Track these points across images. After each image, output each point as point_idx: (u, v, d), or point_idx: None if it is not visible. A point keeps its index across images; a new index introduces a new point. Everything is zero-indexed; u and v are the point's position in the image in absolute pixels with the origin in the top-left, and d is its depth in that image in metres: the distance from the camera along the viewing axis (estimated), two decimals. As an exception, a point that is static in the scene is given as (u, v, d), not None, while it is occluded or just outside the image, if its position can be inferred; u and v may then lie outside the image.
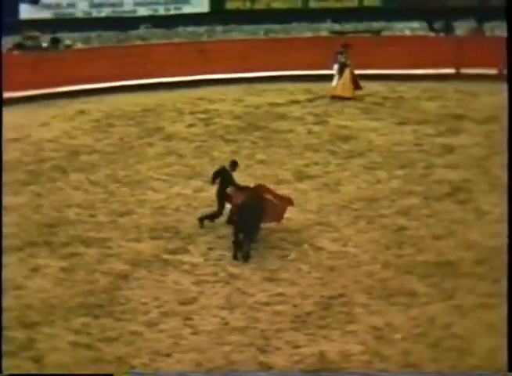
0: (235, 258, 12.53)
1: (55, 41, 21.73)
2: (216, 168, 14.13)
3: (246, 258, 12.47)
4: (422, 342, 10.39)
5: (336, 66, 20.05)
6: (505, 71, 20.68)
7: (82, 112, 19.40)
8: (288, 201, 13.35)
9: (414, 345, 10.35)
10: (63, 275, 12.18)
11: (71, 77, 20.06)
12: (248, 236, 12.61)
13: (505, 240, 12.84)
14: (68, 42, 21.95)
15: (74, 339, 10.55)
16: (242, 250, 12.50)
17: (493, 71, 20.84)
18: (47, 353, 10.21)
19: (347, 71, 19.91)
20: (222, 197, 13.50)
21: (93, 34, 22.88)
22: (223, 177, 13.54)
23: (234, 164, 13.66)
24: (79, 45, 22.33)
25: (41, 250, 12.90)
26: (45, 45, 21.67)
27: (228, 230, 13.34)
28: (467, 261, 12.39)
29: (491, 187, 14.99)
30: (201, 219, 13.62)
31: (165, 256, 12.76)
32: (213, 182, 13.67)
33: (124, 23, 23.01)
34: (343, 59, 19.98)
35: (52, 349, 10.32)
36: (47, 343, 10.43)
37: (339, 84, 19.94)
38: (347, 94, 19.89)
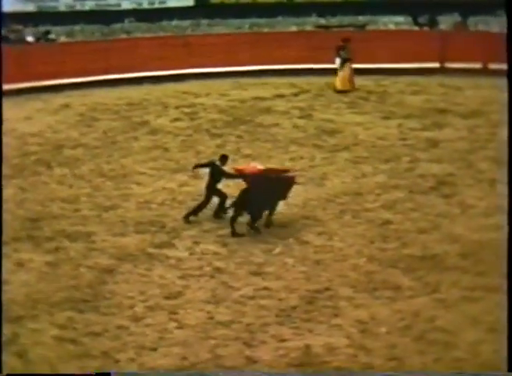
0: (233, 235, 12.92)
1: (46, 33, 21.61)
2: (202, 162, 14.12)
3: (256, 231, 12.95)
4: (406, 336, 10.43)
5: (338, 61, 20.14)
6: (490, 66, 20.84)
7: (66, 106, 19.31)
8: (292, 179, 13.39)
9: (399, 338, 10.39)
10: (48, 269, 12.12)
11: (55, 70, 19.97)
12: (253, 218, 12.96)
13: (490, 234, 12.93)
14: (52, 36, 21.83)
15: (59, 334, 10.51)
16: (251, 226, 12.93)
17: (477, 65, 20.93)
18: (31, 348, 10.16)
19: (347, 65, 20.06)
20: (211, 191, 13.46)
21: (77, 28, 22.78)
22: (213, 171, 13.46)
23: (224, 158, 13.58)
24: (63, 39, 22.22)
25: (25, 244, 12.83)
26: (30, 38, 21.54)
27: (213, 224, 13.33)
28: (452, 254, 12.44)
29: (475, 181, 15.06)
30: (187, 216, 13.58)
31: (150, 250, 12.73)
32: (194, 168, 13.84)
33: (108, 17, 22.93)
34: (344, 54, 20.10)
35: (36, 344, 10.27)
36: (31, 338, 10.38)
37: (339, 77, 20.07)
38: (346, 87, 20.01)
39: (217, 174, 13.43)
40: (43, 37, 21.35)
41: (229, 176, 13.47)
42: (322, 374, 9.75)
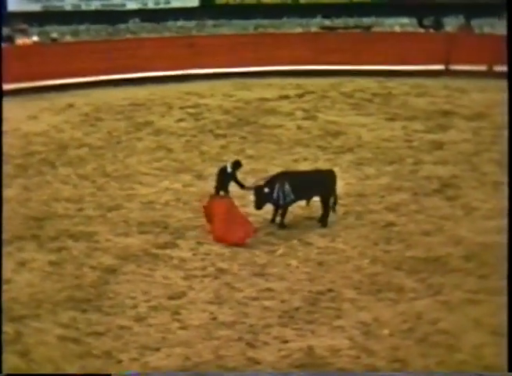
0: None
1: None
2: (206, 163, 14.07)
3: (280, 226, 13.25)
4: (409, 338, 10.41)
5: None
6: (495, 68, 20.80)
7: (71, 106, 19.33)
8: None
9: (402, 340, 10.38)
10: (51, 269, 12.13)
11: (60, 70, 19.99)
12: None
13: (494, 237, 12.90)
14: (54, 35, 21.85)
15: (62, 333, 10.51)
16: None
17: (482, 68, 20.91)
18: (34, 347, 10.17)
19: None
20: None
21: (82, 27, 22.80)
22: (222, 177, 12.97)
23: (237, 165, 13.10)
24: (68, 38, 22.24)
25: (28, 244, 12.84)
26: (35, 38, 21.58)
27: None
28: (455, 257, 12.42)
29: (479, 183, 15.04)
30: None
31: (154, 251, 12.73)
32: (221, 185, 12.95)
33: (113, 17, 22.94)
34: None
35: (39, 343, 10.28)
36: (34, 337, 10.38)
37: None
38: None
39: (226, 180, 12.95)
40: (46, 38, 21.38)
41: (240, 185, 13.08)
42: (324, 375, 9.73)
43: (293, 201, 13.34)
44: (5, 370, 9.70)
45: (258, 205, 13.21)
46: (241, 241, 12.73)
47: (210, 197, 13.19)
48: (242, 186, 13.20)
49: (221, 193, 13.01)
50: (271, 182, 13.24)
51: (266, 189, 13.13)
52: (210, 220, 13.04)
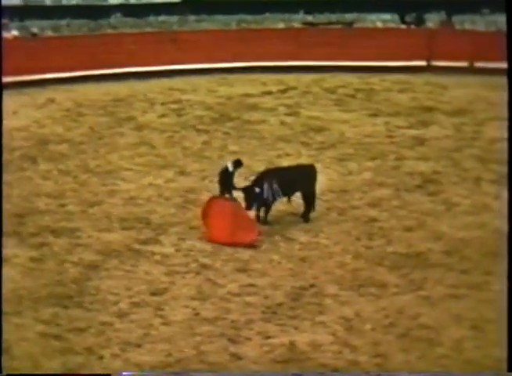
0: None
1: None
2: (189, 159, 14.01)
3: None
4: (391, 333, 10.46)
5: None
6: (476, 64, 20.91)
7: (52, 101, 19.21)
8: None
9: (383, 335, 10.42)
10: (33, 265, 12.06)
11: (41, 65, 19.85)
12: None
13: (475, 232, 12.99)
14: (35, 30, 21.69)
15: (43, 329, 10.46)
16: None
17: (464, 64, 21.01)
18: (15, 344, 10.11)
19: None
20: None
21: (63, 22, 22.65)
22: (225, 177, 12.80)
23: (238, 164, 12.93)
24: (49, 33, 22.08)
25: (9, 240, 12.75)
26: (15, 33, 21.41)
27: (199, 221, 13.30)
28: (436, 252, 12.50)
29: (461, 179, 15.12)
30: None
31: (136, 246, 12.69)
32: (224, 185, 12.81)
33: (95, 12, 22.81)
34: None
35: (20, 340, 10.22)
36: (15, 333, 10.32)
37: None
38: None
39: (228, 180, 12.82)
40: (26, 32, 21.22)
41: (234, 187, 12.87)
42: (308, 373, 9.75)
43: (280, 198, 13.33)
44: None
45: (249, 205, 13.05)
46: (254, 242, 12.63)
47: (209, 199, 12.97)
48: (233, 186, 13.02)
49: (227, 195, 12.81)
50: (259, 181, 13.14)
51: (257, 189, 13.04)
52: (209, 222, 12.77)
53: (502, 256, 11.88)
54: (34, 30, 21.77)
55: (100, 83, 20.23)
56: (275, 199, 13.23)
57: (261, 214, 13.34)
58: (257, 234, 12.76)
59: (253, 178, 13.42)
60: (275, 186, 13.14)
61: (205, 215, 12.88)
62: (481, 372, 9.61)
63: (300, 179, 13.38)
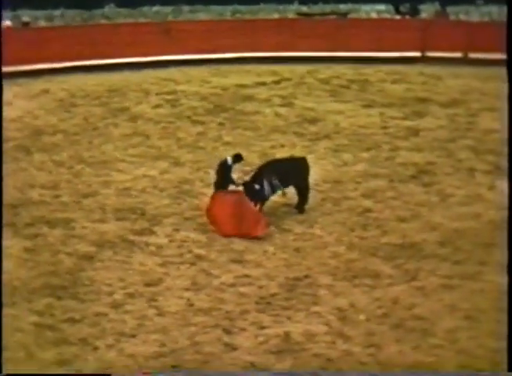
0: None
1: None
2: (183, 150, 14.01)
3: None
4: (385, 323, 10.50)
5: None
6: (470, 55, 20.92)
7: (46, 91, 19.15)
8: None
9: (377, 325, 10.46)
10: (27, 256, 12.06)
11: (34, 55, 19.78)
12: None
13: (468, 223, 13.02)
14: (26, 19, 21.57)
15: (37, 320, 10.47)
16: None
17: (458, 55, 21.02)
18: (9, 334, 10.11)
19: None
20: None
21: (56, 13, 22.55)
22: (223, 171, 12.74)
23: (238, 158, 12.84)
24: (42, 23, 21.99)
25: (4, 230, 12.70)
26: (8, 23, 21.30)
27: (194, 212, 13.30)
28: (430, 242, 12.53)
29: (454, 170, 15.15)
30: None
31: (130, 237, 12.69)
32: (223, 179, 12.73)
33: (89, 2, 22.71)
34: None
35: (15, 330, 10.22)
36: (9, 324, 10.32)
37: None
38: None
39: (226, 174, 12.74)
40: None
41: (233, 182, 12.79)
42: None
43: (280, 190, 13.32)
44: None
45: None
46: (262, 233, 12.60)
47: (212, 196, 12.84)
48: (233, 182, 12.96)
49: (231, 187, 12.74)
50: (258, 177, 13.05)
51: (257, 187, 12.99)
52: (216, 220, 12.69)
53: (496, 246, 11.94)
54: (26, 18, 21.65)
55: (94, 73, 20.18)
56: (274, 193, 13.24)
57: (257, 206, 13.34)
58: (266, 226, 12.71)
59: (252, 173, 13.33)
60: (275, 181, 13.14)
61: (210, 211, 12.77)
62: (481, 372, 9.63)
63: (294, 173, 13.37)
